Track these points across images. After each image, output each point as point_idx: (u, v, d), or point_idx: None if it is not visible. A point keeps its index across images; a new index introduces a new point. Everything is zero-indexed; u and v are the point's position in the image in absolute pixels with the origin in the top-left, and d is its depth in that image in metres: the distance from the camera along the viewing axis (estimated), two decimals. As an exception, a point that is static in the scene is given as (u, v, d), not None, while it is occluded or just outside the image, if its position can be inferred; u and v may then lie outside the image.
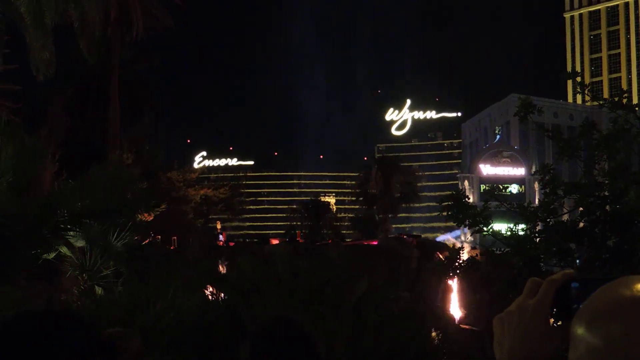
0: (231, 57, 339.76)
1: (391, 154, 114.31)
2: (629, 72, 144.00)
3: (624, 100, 8.45)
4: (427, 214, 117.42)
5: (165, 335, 6.99)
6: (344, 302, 7.98)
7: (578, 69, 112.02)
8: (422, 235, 65.17)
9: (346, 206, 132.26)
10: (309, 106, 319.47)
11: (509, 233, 8.70)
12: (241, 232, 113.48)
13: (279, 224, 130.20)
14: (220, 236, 62.05)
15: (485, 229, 8.47)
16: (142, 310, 7.81)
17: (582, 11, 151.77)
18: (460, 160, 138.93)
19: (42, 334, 1.49)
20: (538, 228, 8.61)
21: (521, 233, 8.59)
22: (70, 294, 12.02)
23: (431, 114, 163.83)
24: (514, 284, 7.66)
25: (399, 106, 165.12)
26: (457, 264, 10.35)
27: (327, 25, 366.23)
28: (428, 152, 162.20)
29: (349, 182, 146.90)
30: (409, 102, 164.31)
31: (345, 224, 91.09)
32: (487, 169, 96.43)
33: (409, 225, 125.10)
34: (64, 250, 12.61)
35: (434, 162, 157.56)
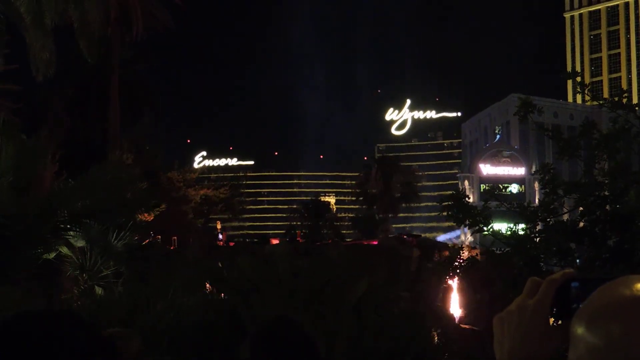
0: (231, 57, 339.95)
1: (391, 153, 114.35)
2: (629, 71, 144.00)
3: (624, 100, 8.45)
4: (428, 214, 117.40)
5: (165, 336, 6.99)
6: (344, 302, 7.98)
7: (578, 68, 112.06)
8: (422, 235, 65.15)
9: (346, 206, 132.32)
10: (309, 106, 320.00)
11: (509, 233, 8.70)
12: (241, 232, 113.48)
13: (279, 223, 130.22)
14: (220, 236, 62.05)
15: (485, 228, 8.47)
16: (142, 311, 7.81)
17: (582, 11, 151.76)
18: (460, 160, 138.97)
19: (42, 334, 1.49)
20: (538, 228, 8.60)
21: (521, 233, 8.59)
22: (70, 294, 12.02)
23: (431, 114, 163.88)
24: (514, 283, 7.65)
25: (399, 106, 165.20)
26: (457, 263, 10.35)
27: (327, 25, 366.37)
28: (428, 152, 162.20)
29: (349, 182, 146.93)
30: (409, 102, 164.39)
31: (346, 223, 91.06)
32: (487, 169, 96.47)
33: (409, 225, 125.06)
34: (64, 250, 12.61)
35: (434, 162, 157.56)
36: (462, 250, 10.31)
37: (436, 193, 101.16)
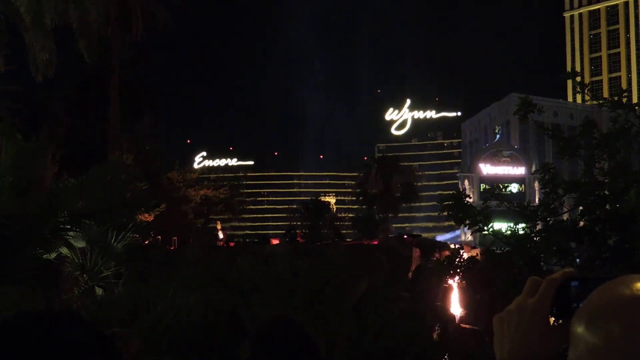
0: (231, 57, 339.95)
1: (391, 153, 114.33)
2: (629, 71, 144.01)
3: (624, 100, 8.45)
4: (428, 214, 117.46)
5: (165, 336, 7.00)
6: (344, 302, 7.98)
7: (578, 68, 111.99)
8: (423, 235, 65.16)
9: (346, 206, 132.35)
10: (308, 106, 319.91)
11: (509, 232, 8.69)
12: (241, 232, 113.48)
13: (279, 224, 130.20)
14: (220, 235, 62.05)
15: (485, 228, 8.47)
16: (142, 311, 7.82)
17: (581, 10, 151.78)
18: (460, 160, 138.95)
19: (41, 334, 1.49)
20: (538, 227, 8.60)
21: (521, 232, 8.58)
22: (70, 295, 12.02)
23: (431, 114, 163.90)
24: (514, 283, 7.65)
25: (398, 106, 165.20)
26: (457, 263, 10.35)
27: (327, 25, 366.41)
28: (428, 152, 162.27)
29: (349, 182, 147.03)
30: (408, 101, 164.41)
31: (346, 223, 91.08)
32: (487, 169, 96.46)
33: (409, 225, 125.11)
34: (65, 250, 12.61)
35: (434, 162, 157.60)
36: (462, 250, 10.33)
37: (436, 193, 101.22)
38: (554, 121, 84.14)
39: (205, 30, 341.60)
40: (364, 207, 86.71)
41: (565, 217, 8.92)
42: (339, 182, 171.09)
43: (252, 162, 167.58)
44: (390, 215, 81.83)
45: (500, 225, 8.93)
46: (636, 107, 8.63)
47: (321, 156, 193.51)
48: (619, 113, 8.31)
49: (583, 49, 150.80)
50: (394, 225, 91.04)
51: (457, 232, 74.34)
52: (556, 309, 1.17)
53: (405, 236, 51.25)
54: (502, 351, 1.22)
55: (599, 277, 1.07)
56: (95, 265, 12.73)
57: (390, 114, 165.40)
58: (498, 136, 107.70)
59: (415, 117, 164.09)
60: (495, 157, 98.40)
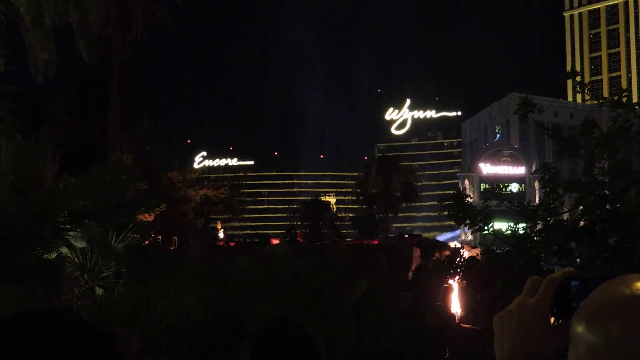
0: (231, 57, 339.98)
1: (391, 153, 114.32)
2: (629, 70, 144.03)
3: (624, 99, 8.45)
4: (428, 214, 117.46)
5: (165, 336, 7.00)
6: (345, 302, 7.97)
7: (578, 67, 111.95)
8: (423, 235, 65.16)
9: (346, 206, 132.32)
10: (309, 106, 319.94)
11: (509, 232, 8.70)
12: (241, 232, 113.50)
13: (279, 223, 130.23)
14: (221, 235, 62.05)
15: (485, 228, 8.47)
16: (142, 311, 7.82)
17: (581, 10, 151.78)
18: (460, 160, 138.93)
19: (41, 333, 1.48)
20: (538, 227, 8.60)
21: (521, 232, 8.58)
22: (71, 295, 12.02)
23: (431, 113, 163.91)
24: (514, 282, 7.66)
25: (398, 106, 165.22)
26: (457, 263, 10.35)
27: (327, 25, 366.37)
28: (428, 152, 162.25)
29: (349, 182, 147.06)
30: (408, 101, 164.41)
31: (346, 223, 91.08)
32: (487, 168, 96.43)
33: (410, 224, 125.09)
34: (65, 250, 12.61)
35: (434, 162, 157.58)
36: (462, 250, 10.32)
37: (436, 193, 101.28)
38: (554, 121, 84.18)
39: (205, 30, 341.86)
40: (364, 207, 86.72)
41: (565, 216, 8.92)
42: (339, 182, 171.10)
43: (252, 162, 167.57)
44: (390, 215, 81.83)
45: (501, 225, 8.94)
46: (636, 107, 8.63)
47: (321, 156, 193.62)
48: (619, 112, 8.31)
49: (583, 49, 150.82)
50: (394, 225, 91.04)
51: (458, 231, 74.31)
52: (556, 308, 1.16)
53: (406, 236, 51.24)
54: (503, 351, 1.21)
55: (599, 277, 1.07)
56: (95, 265, 12.73)
57: (390, 114, 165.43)
58: (498, 136, 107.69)
59: (415, 116, 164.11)
60: (495, 156, 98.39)
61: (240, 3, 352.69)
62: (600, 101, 8.75)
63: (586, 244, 8.05)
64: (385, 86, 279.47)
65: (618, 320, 0.95)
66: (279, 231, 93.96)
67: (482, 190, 74.49)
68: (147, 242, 22.97)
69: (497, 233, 8.67)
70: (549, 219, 8.37)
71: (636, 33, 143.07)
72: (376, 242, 45.66)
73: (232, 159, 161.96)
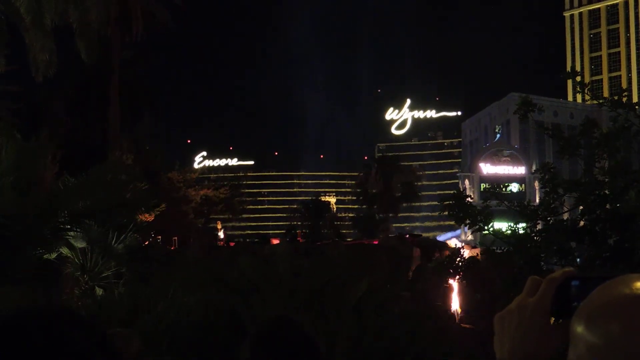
0: (231, 57, 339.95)
1: (391, 153, 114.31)
2: (629, 70, 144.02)
3: (624, 99, 8.45)
4: (428, 214, 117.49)
5: (165, 336, 7.00)
6: (345, 302, 7.98)
7: (578, 67, 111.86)
8: (423, 235, 65.15)
9: (346, 206, 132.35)
10: (309, 106, 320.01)
11: (509, 232, 8.70)
12: (241, 232, 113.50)
13: (279, 223, 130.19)
14: (221, 235, 62.08)
15: (485, 227, 8.48)
16: (143, 311, 7.82)
17: (581, 10, 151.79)
18: (460, 160, 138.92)
19: (41, 332, 1.48)
20: (538, 227, 8.60)
21: (521, 232, 8.58)
22: (71, 295, 12.02)
23: (431, 113, 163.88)
24: (515, 282, 7.66)
25: (399, 105, 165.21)
26: (457, 263, 10.35)
27: (327, 25, 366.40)
28: (428, 152, 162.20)
29: (349, 182, 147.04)
30: (409, 101, 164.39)
31: (346, 223, 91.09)
32: (487, 168, 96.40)
33: (410, 224, 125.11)
34: (65, 251, 12.61)
35: (434, 162, 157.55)
36: (463, 249, 10.32)
37: (436, 192, 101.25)
38: (554, 121, 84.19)
39: (205, 30, 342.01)
40: (364, 207, 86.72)
41: (565, 216, 8.92)
42: (339, 182, 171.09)
43: (252, 162, 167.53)
44: (390, 215, 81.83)
45: (501, 225, 8.94)
46: (636, 107, 8.63)
47: (321, 156, 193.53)
48: (619, 112, 8.31)
49: (583, 48, 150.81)
50: (394, 225, 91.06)
51: (458, 231, 74.31)
52: (556, 308, 1.16)
53: (407, 235, 51.26)
54: (503, 350, 1.21)
55: (599, 277, 1.07)
56: (95, 265, 12.74)
57: (390, 114, 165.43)
58: (498, 136, 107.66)
59: (416, 116, 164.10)
60: (495, 156, 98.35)
61: (240, 3, 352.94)
62: (601, 101, 8.75)
63: (586, 244, 8.05)
64: (385, 86, 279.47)
65: (618, 320, 0.95)
66: (279, 231, 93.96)
67: (482, 190, 74.46)
68: (147, 242, 22.99)
69: (497, 233, 8.67)
70: (549, 218, 8.37)
71: (636, 33, 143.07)
72: (376, 242, 45.67)
73: (232, 159, 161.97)
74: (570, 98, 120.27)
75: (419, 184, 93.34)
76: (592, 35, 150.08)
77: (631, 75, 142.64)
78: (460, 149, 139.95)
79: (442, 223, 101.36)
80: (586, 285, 1.08)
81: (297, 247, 34.59)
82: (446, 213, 8.94)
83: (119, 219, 13.14)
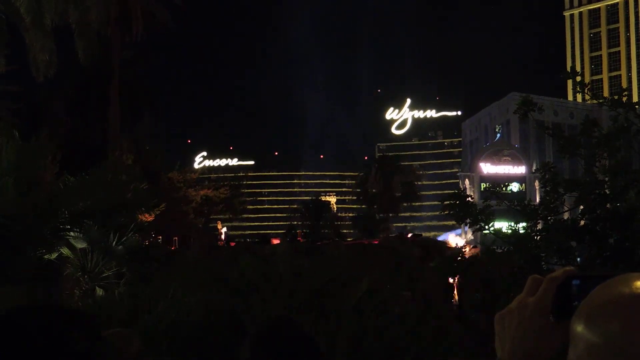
0: (231, 57, 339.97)
1: (391, 153, 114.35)
2: (629, 70, 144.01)
3: (624, 98, 8.44)
4: (428, 213, 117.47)
5: (165, 336, 7.00)
6: (345, 302, 7.98)
7: (578, 67, 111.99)
8: (423, 234, 65.13)
9: (347, 206, 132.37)
10: (309, 106, 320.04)
11: (509, 231, 8.70)
12: (242, 232, 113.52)
13: (279, 223, 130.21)
14: (222, 235, 62.08)
15: (486, 227, 8.48)
16: (143, 311, 7.82)
17: (581, 9, 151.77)
18: (460, 159, 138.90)
19: (40, 329, 1.48)
20: (539, 226, 8.60)
21: (522, 231, 8.58)
22: (71, 295, 12.02)
23: (431, 113, 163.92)
24: (515, 282, 7.66)
25: (399, 105, 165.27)
26: (458, 262, 10.35)
27: (327, 25, 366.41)
28: (428, 151, 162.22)
29: (349, 182, 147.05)
30: (409, 101, 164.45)
31: (346, 223, 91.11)
32: (487, 168, 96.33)
33: (410, 224, 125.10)
34: (66, 251, 12.61)
35: (435, 161, 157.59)
36: (464, 249, 10.33)
37: (437, 192, 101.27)
38: (554, 120, 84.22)
39: (205, 30, 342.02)
40: (364, 206, 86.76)
41: (565, 216, 8.92)
42: (340, 181, 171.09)
43: (252, 162, 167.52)
44: (390, 214, 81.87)
45: (501, 224, 8.94)
46: (636, 106, 8.62)
47: (321, 156, 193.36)
48: (619, 112, 8.30)
49: (583, 48, 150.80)
50: (394, 224, 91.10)
51: (458, 231, 74.32)
52: (557, 307, 1.16)
53: (408, 235, 51.25)
54: (503, 350, 1.21)
55: (600, 275, 1.07)
56: (96, 266, 12.74)
57: (390, 114, 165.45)
58: (498, 135, 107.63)
59: (416, 116, 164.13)
60: (495, 156, 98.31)
61: (240, 3, 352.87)
62: (601, 100, 8.74)
63: (587, 243, 8.05)
64: (386, 86, 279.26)
65: (617, 319, 0.95)
66: (279, 231, 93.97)
67: (482, 189, 74.50)
68: (147, 242, 22.98)
69: (498, 232, 8.67)
70: (549, 218, 8.36)
71: (636, 32, 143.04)
72: (376, 242, 45.66)
73: (232, 159, 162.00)
74: (570, 97, 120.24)
75: (419, 183, 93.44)
76: (592, 35, 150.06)
77: (631, 75, 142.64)
78: (461, 149, 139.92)
79: (442, 223, 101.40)
80: (587, 285, 1.08)
81: (298, 247, 34.56)
82: (446, 212, 8.94)
83: (119, 219, 13.14)
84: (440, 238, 66.66)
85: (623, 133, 8.34)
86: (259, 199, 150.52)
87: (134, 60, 41.33)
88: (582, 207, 8.31)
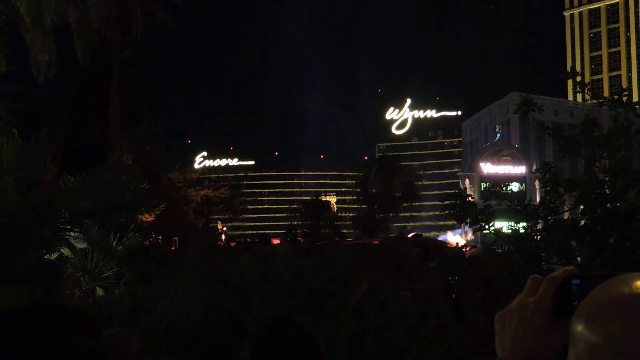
0: (231, 57, 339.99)
1: (392, 153, 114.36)
2: (629, 69, 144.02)
3: (624, 98, 8.44)
4: (428, 213, 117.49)
5: (166, 336, 6.99)
6: (345, 302, 7.97)
7: (578, 67, 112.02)
8: (424, 234, 65.11)
9: (347, 205, 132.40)
10: (309, 106, 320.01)
11: (510, 231, 8.70)
12: (242, 232, 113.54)
13: (279, 223, 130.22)
14: (222, 236, 62.10)
15: (486, 227, 8.48)
16: (143, 311, 7.82)
17: (581, 9, 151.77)
18: (460, 159, 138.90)
19: (41, 329, 1.48)
20: (539, 226, 8.59)
21: (522, 231, 8.58)
22: (72, 296, 12.03)
23: (431, 113, 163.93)
24: (515, 281, 7.66)
25: (399, 105, 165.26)
26: (458, 262, 10.36)
27: (327, 25, 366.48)
28: (428, 151, 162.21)
29: (349, 182, 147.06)
30: (409, 101, 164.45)
31: (346, 223, 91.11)
32: (487, 168, 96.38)
33: (410, 224, 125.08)
34: (66, 251, 12.61)
35: (435, 161, 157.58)
36: (464, 249, 10.33)
37: (437, 192, 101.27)
38: (555, 120, 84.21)
39: (205, 30, 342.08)
40: (364, 206, 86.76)
41: (566, 215, 8.91)
42: (340, 181, 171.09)
43: (252, 162, 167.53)
44: (390, 214, 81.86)
45: (501, 224, 8.94)
46: (636, 106, 8.62)
47: (321, 156, 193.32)
48: (619, 112, 8.30)
49: (583, 48, 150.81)
50: (395, 224, 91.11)
51: (458, 231, 74.35)
52: (557, 307, 1.16)
53: (409, 235, 51.23)
54: (503, 350, 1.21)
55: (600, 275, 1.07)
56: (96, 266, 12.74)
57: (390, 113, 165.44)
58: (498, 135, 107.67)
59: (416, 116, 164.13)
60: (495, 156, 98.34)
61: (240, 3, 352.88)
62: (601, 100, 8.74)
63: (587, 243, 8.05)
64: (386, 86, 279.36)
65: (617, 319, 0.95)
66: (279, 231, 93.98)
67: (482, 189, 74.52)
68: (147, 242, 22.98)
69: (498, 232, 8.67)
70: (549, 218, 8.36)
71: (636, 32, 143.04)
72: (376, 242, 45.64)
73: (232, 159, 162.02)
74: (570, 97, 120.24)
75: (419, 183, 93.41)
76: (592, 35, 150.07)
77: (631, 75, 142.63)
78: (461, 149, 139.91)
79: (442, 223, 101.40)
80: (587, 284, 1.08)
81: (298, 247, 34.53)
82: (447, 212, 8.94)
83: (119, 219, 13.14)
84: (440, 238, 66.68)
85: (623, 133, 8.34)
86: (259, 199, 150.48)
87: (134, 60, 41.34)
88: (582, 207, 8.31)
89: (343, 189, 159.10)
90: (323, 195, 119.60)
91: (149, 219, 26.02)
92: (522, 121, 9.26)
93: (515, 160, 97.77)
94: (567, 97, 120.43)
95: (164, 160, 49.60)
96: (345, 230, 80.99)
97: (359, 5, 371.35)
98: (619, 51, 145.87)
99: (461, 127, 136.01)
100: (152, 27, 36.85)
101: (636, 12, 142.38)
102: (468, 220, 8.56)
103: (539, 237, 8.34)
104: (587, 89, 9.12)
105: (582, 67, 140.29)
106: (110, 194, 11.89)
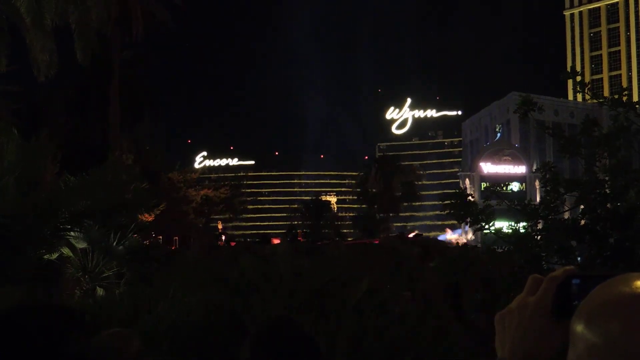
0: (231, 57, 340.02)
1: (392, 152, 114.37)
2: (629, 69, 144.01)
3: (624, 98, 8.44)
4: (429, 213, 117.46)
5: (166, 336, 6.99)
6: (345, 302, 7.97)
7: (578, 66, 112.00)
8: (424, 234, 65.14)
9: (347, 205, 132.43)
10: (309, 106, 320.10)
11: (510, 231, 8.70)
12: (242, 232, 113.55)
13: (279, 223, 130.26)
14: (223, 232, 62.12)
15: (486, 226, 8.48)
16: (143, 311, 7.81)
17: (582, 9, 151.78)
18: (460, 159, 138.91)
19: (41, 329, 1.48)
20: (539, 226, 8.60)
21: (522, 231, 8.58)
22: (72, 296, 12.02)
23: (432, 113, 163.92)
24: (516, 281, 7.66)
25: (399, 105, 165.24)
26: (458, 262, 10.36)
27: (328, 25, 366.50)
28: (429, 151, 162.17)
29: (349, 182, 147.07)
30: (409, 100, 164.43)
31: (347, 223, 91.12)
32: (488, 167, 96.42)
33: (410, 224, 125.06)
34: (66, 251, 12.60)
35: (435, 161, 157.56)
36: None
37: (437, 192, 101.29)
38: (555, 120, 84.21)
39: (205, 30, 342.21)
40: (364, 206, 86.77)
41: (566, 215, 8.92)
42: (340, 181, 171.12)
43: (252, 162, 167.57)
44: (391, 214, 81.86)
45: (502, 224, 8.94)
46: (636, 105, 8.62)
47: (322, 156, 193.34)
48: (619, 111, 8.30)
49: (583, 47, 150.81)
50: (395, 224, 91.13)
51: (459, 231, 74.37)
52: (557, 307, 1.16)
53: (410, 235, 51.24)
54: (503, 350, 1.21)
55: (600, 275, 1.06)
56: (96, 266, 12.74)
57: (390, 113, 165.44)
58: (499, 135, 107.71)
59: (416, 116, 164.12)
60: (496, 155, 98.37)
61: (240, 3, 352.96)
62: (601, 100, 8.74)
63: (587, 243, 8.05)
64: (386, 86, 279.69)
65: (617, 319, 0.94)
66: (279, 231, 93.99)
67: (482, 189, 74.49)
68: (147, 242, 22.98)
69: (498, 232, 8.68)
70: (549, 217, 8.36)
71: (636, 32, 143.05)
72: (377, 242, 45.65)
73: (232, 159, 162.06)
74: (570, 97, 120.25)
75: (420, 183, 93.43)
76: (592, 34, 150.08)
77: (631, 74, 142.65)
78: (461, 149, 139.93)
79: (442, 222, 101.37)
80: (587, 284, 1.08)
81: (298, 246, 34.54)
82: (447, 212, 8.95)
83: (119, 219, 13.14)
84: (440, 238, 66.67)
85: (623, 132, 8.34)
86: (259, 199, 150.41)
87: (134, 60, 41.35)
88: (582, 206, 8.31)
89: (343, 189, 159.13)
90: (323, 195, 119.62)
91: (149, 219, 26.04)
92: (522, 121, 9.26)
93: (516, 160, 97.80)
94: (567, 97, 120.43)
95: (164, 160, 49.59)
96: (345, 230, 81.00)
97: (359, 5, 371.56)
98: (619, 51, 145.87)
99: (461, 127, 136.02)
100: (152, 27, 36.85)
101: (636, 12, 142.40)
102: (468, 219, 8.56)
103: (539, 237, 8.34)
104: (587, 89, 9.12)
105: (582, 67, 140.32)
106: (110, 194, 11.88)
